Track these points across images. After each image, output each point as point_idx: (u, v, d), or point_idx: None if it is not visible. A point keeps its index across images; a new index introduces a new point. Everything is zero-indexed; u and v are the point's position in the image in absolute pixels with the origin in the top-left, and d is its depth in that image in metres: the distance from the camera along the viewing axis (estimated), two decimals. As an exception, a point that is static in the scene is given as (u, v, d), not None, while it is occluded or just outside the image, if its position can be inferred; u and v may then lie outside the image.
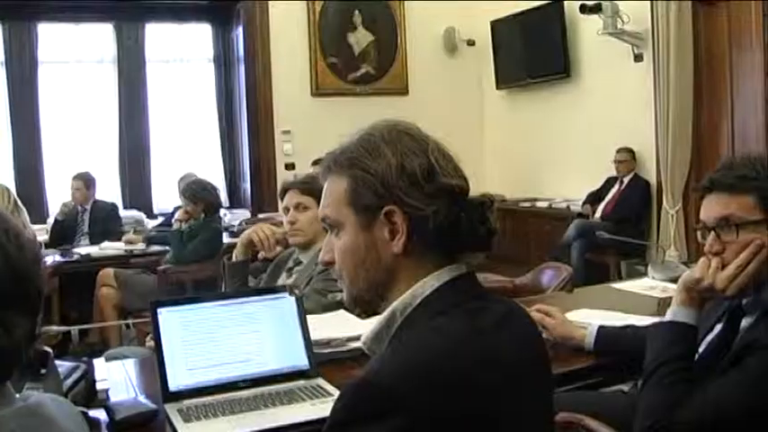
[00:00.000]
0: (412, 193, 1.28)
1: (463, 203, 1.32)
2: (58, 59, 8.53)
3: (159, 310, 2.14)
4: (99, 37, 8.67)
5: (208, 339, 2.16)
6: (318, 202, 3.03)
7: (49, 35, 8.50)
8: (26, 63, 8.38)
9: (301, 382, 2.16)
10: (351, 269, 1.35)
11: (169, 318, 2.14)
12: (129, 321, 5.26)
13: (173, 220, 5.99)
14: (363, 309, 1.43)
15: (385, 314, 1.33)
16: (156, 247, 6.24)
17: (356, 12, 8.70)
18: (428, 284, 1.30)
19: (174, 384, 2.09)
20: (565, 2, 7.66)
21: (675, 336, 1.85)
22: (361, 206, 1.31)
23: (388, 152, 1.31)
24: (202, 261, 5.40)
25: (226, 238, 6.21)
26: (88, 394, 2.07)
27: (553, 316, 2.45)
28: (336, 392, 2.05)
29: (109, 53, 8.70)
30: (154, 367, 2.44)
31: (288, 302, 2.27)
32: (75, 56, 8.59)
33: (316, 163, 6.51)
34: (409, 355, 1.20)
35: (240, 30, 8.56)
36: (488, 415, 1.20)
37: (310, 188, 3.06)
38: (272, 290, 2.47)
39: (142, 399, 2.10)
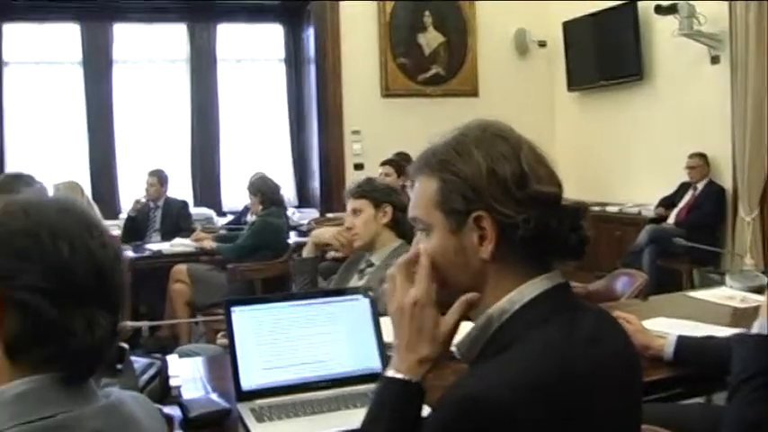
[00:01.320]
0: (502, 199, 1.25)
1: (555, 210, 1.29)
2: (132, 59, 8.68)
3: (233, 309, 2.14)
4: (172, 37, 8.80)
5: (281, 339, 2.15)
6: (371, 204, 3.09)
7: (125, 35, 8.65)
8: (102, 62, 8.54)
9: (374, 385, 2.13)
10: (440, 272, 1.32)
11: (243, 317, 2.14)
12: (201, 320, 5.32)
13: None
14: (446, 311, 1.40)
15: (480, 320, 1.30)
16: (222, 245, 6.29)
17: (426, 12, 8.67)
18: (526, 292, 1.27)
19: (246, 384, 2.09)
20: (639, 2, 7.52)
21: (764, 349, 1.79)
22: (450, 210, 1.29)
23: (479, 156, 1.28)
24: (257, 255, 5.46)
25: (294, 237, 6.25)
26: (162, 391, 2.09)
27: (631, 324, 2.39)
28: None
29: (182, 53, 8.82)
30: (224, 365, 2.45)
31: (362, 304, 2.25)
32: (148, 55, 8.74)
33: (384, 164, 6.52)
34: (514, 368, 1.17)
35: (311, 30, 8.59)
36: (586, 428, 1.18)
37: (362, 192, 3.18)
38: (346, 291, 2.47)
39: (214, 397, 2.10)
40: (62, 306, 1.02)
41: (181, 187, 8.24)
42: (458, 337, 1.35)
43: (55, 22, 8.51)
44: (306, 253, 3.21)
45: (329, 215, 7.40)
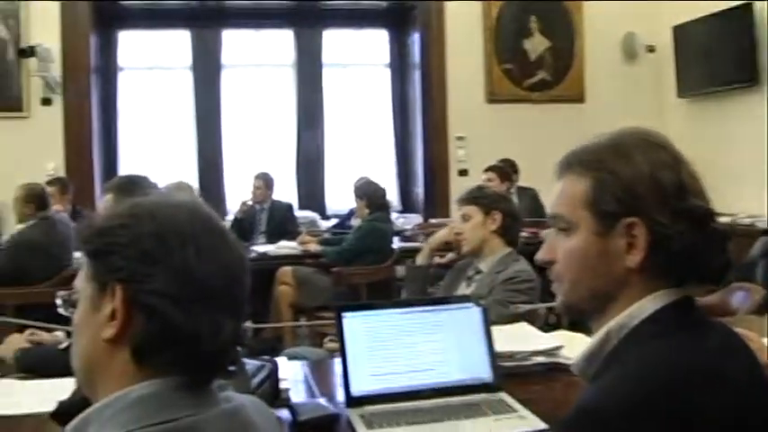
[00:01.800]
0: (659, 208, 1.20)
1: (706, 229, 1.23)
2: (240, 64, 8.87)
3: (344, 315, 2.15)
4: (279, 42, 8.95)
5: (390, 346, 2.15)
6: (481, 210, 3.07)
7: (233, 41, 8.85)
8: (211, 67, 8.76)
9: (484, 396, 2.11)
10: (575, 274, 1.28)
11: (354, 323, 2.14)
12: (307, 324, 5.38)
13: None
14: (577, 316, 1.36)
15: (599, 335, 1.26)
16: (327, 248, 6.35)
17: (532, 17, 8.57)
18: (646, 306, 1.22)
19: (356, 389, 2.09)
20: (755, 2, 7.26)
21: None
22: (602, 212, 1.23)
23: (640, 159, 1.22)
24: (362, 259, 5.48)
25: (397, 242, 6.26)
26: (272, 393, 2.11)
27: (753, 341, 2.30)
28: (521, 408, 2.01)
29: (288, 58, 8.95)
30: (331, 369, 2.47)
31: (473, 313, 2.23)
32: (256, 60, 8.91)
33: (488, 170, 6.48)
34: (631, 380, 1.13)
35: (416, 35, 8.60)
36: None
37: (472, 198, 3.21)
38: (456, 299, 2.45)
39: (323, 401, 2.11)
40: (188, 310, 1.03)
41: (286, 190, 8.37)
42: (575, 352, 1.32)
43: (166, 29, 8.79)
44: (420, 260, 3.24)
45: (432, 221, 7.38)
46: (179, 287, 1.03)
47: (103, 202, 2.79)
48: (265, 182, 7.27)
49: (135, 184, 2.81)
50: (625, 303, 1.23)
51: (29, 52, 7.35)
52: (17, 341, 2.74)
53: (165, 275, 1.03)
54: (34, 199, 5.18)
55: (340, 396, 2.14)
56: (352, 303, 2.26)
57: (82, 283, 1.10)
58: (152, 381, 1.03)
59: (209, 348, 1.05)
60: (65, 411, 1.93)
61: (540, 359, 2.38)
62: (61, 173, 7.49)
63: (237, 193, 7.89)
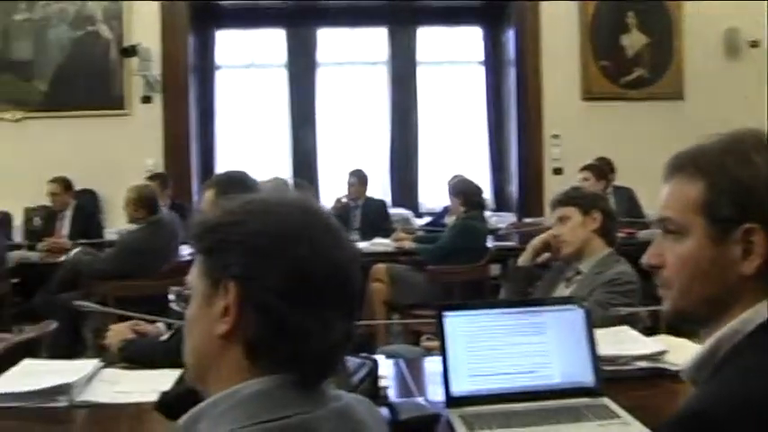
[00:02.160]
0: None
1: None
2: (334, 62, 8.94)
3: (445, 314, 2.13)
4: (373, 40, 8.98)
5: (491, 347, 2.12)
6: (579, 211, 3.00)
7: (328, 39, 8.92)
8: (306, 65, 8.86)
9: (586, 400, 2.06)
10: (685, 280, 1.21)
11: (455, 322, 2.12)
12: (400, 321, 5.38)
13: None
14: (687, 323, 1.31)
15: (710, 341, 1.20)
16: (422, 246, 6.33)
17: (630, 13, 8.38)
18: (762, 312, 1.15)
19: (456, 389, 2.07)
20: None
21: None
22: (717, 217, 1.17)
23: (758, 161, 1.16)
24: (456, 257, 5.45)
25: (490, 242, 6.20)
26: (372, 392, 2.10)
27: None
28: (624, 415, 1.95)
29: (382, 56, 8.98)
30: (428, 368, 2.45)
31: (576, 315, 2.18)
32: (350, 58, 8.97)
33: (584, 168, 6.37)
34: (735, 384, 1.09)
35: (511, 32, 8.52)
36: None
37: (569, 199, 3.12)
38: (559, 300, 2.41)
39: (421, 401, 2.10)
40: (300, 308, 1.03)
41: (379, 187, 8.40)
42: (679, 358, 1.27)
43: (262, 27, 8.92)
44: (522, 261, 3.19)
45: (526, 220, 7.30)
46: (291, 285, 1.03)
47: (204, 197, 2.83)
48: (359, 179, 7.31)
49: (236, 181, 2.83)
50: (738, 310, 1.17)
51: (131, 52, 7.55)
52: (122, 331, 2.81)
53: (278, 273, 1.03)
54: (145, 202, 5.33)
55: (437, 395, 2.13)
56: (453, 303, 2.23)
57: (194, 279, 1.11)
58: (264, 378, 1.03)
59: (321, 346, 1.05)
60: (168, 403, 1.96)
61: (643, 364, 2.32)
62: (160, 169, 7.69)
63: (331, 190, 7.94)
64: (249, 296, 1.03)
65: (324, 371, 1.09)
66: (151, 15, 8.01)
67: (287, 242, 1.04)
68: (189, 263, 3.93)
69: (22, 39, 8.12)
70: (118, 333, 2.80)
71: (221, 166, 8.49)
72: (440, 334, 2.11)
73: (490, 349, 2.11)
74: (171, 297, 1.21)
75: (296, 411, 1.02)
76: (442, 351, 2.10)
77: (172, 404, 1.93)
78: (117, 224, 6.88)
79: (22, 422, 2.16)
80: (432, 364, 2.52)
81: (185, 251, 5.77)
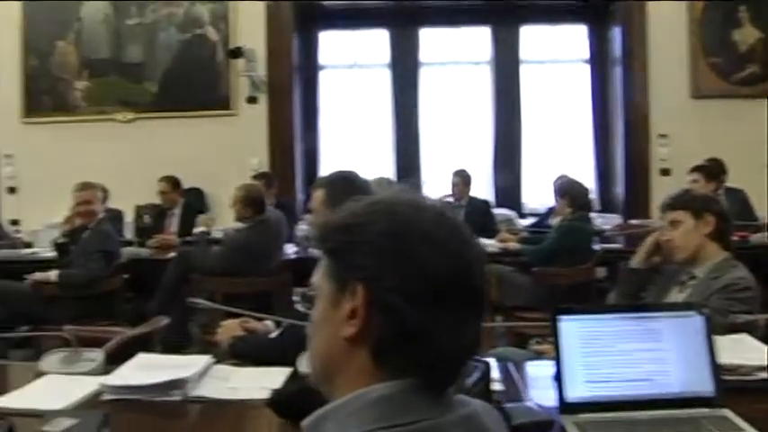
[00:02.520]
0: None
1: None
2: (437, 61, 8.93)
3: (560, 318, 2.08)
4: (476, 39, 8.93)
5: (606, 352, 2.06)
6: (691, 215, 2.90)
7: (431, 38, 8.91)
8: (409, 65, 8.87)
9: (705, 411, 1.98)
10: None
11: (570, 326, 2.07)
12: (507, 324, 5.32)
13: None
14: None
15: None
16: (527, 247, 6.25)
17: (741, 6, 8.10)
18: None
19: (570, 395, 2.02)
20: None
21: None
22: None
23: None
24: (561, 259, 5.36)
25: (596, 244, 6.08)
26: (485, 395, 2.07)
27: None
28: (747, 427, 1.88)
29: (485, 55, 8.92)
30: (538, 372, 2.41)
31: (695, 321, 2.10)
32: (453, 58, 8.94)
33: (695, 170, 6.18)
34: None
35: (617, 29, 8.34)
36: None
37: (681, 202, 3.01)
38: (677, 306, 2.33)
39: (533, 405, 2.06)
40: (427, 310, 1.01)
41: (483, 187, 8.35)
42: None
43: (366, 28, 8.97)
44: (635, 263, 3.11)
45: (633, 222, 7.13)
46: (419, 287, 1.01)
47: (314, 197, 2.84)
48: (463, 179, 7.29)
49: (346, 181, 2.84)
50: None
51: (237, 53, 7.69)
52: (232, 328, 2.85)
53: (406, 275, 1.02)
54: (252, 202, 5.42)
55: (548, 400, 2.09)
56: (568, 306, 2.17)
57: (319, 281, 1.11)
58: (391, 382, 1.02)
59: (450, 350, 1.03)
60: (281, 401, 1.99)
61: (766, 375, 2.22)
62: (264, 168, 7.81)
63: (435, 190, 7.93)
64: (377, 299, 1.02)
65: (452, 375, 1.07)
66: (256, 17, 8.15)
67: (415, 243, 1.03)
68: (294, 261, 4.06)
69: (133, 42, 8.39)
70: (229, 329, 2.84)
71: (325, 165, 8.60)
72: (554, 338, 2.07)
73: (605, 355, 2.06)
74: (295, 298, 1.22)
75: (423, 416, 1.00)
76: (557, 355, 2.06)
77: (285, 402, 1.96)
78: (223, 222, 7.03)
79: (137, 414, 2.22)
80: (540, 369, 2.48)
81: (290, 249, 5.86)
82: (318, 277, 1.12)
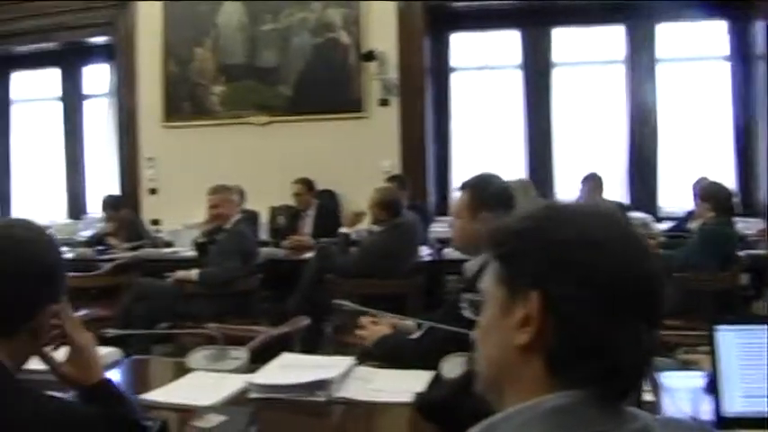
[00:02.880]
0: None
1: None
2: (570, 61, 8.77)
3: (717, 328, 1.99)
4: (610, 38, 8.72)
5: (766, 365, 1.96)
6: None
7: (563, 38, 8.76)
8: (540, 66, 8.75)
9: None
10: None
11: (727, 337, 1.98)
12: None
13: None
14: None
15: None
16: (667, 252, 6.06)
17: None
18: None
19: (727, 410, 1.93)
20: None
21: None
22: None
23: None
24: (703, 264, 5.16)
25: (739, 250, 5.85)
26: (637, 406, 2.00)
27: None
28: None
29: (619, 54, 8.70)
30: (686, 383, 2.31)
31: None
32: (586, 57, 8.75)
33: None
34: None
35: (761, 24, 7.98)
36: None
37: None
38: None
39: (687, 418, 1.98)
40: (606, 319, 0.98)
41: (617, 190, 8.16)
42: None
43: (497, 29, 8.88)
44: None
45: (776, 226, 6.80)
46: (597, 295, 0.98)
47: (459, 199, 2.82)
48: (594, 182, 7.13)
49: (492, 183, 2.81)
50: None
51: (370, 57, 7.75)
52: (380, 330, 2.85)
53: (583, 283, 0.99)
54: (389, 205, 5.45)
55: (702, 414, 2.01)
56: (725, 316, 2.08)
57: (489, 286, 1.08)
58: (565, 392, 0.99)
59: (627, 361, 1.00)
60: (429, 405, 1.97)
61: None
62: (396, 170, 7.85)
63: (568, 193, 7.80)
64: (552, 306, 0.99)
65: (628, 387, 1.03)
66: (388, 21, 8.21)
67: (592, 251, 1.00)
68: (428, 264, 4.04)
69: (267, 47, 8.59)
70: (376, 331, 2.84)
71: (456, 167, 8.56)
72: (711, 349, 1.98)
73: (765, 368, 1.95)
74: (463, 305, 1.19)
75: (597, 429, 0.97)
76: (713, 367, 1.97)
77: (433, 406, 1.94)
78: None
79: (282, 413, 2.25)
80: (688, 380, 2.38)
81: (424, 252, 5.86)
82: (488, 283, 1.09)
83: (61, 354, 1.65)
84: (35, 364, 1.59)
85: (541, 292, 1.00)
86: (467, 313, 1.17)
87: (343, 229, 5.59)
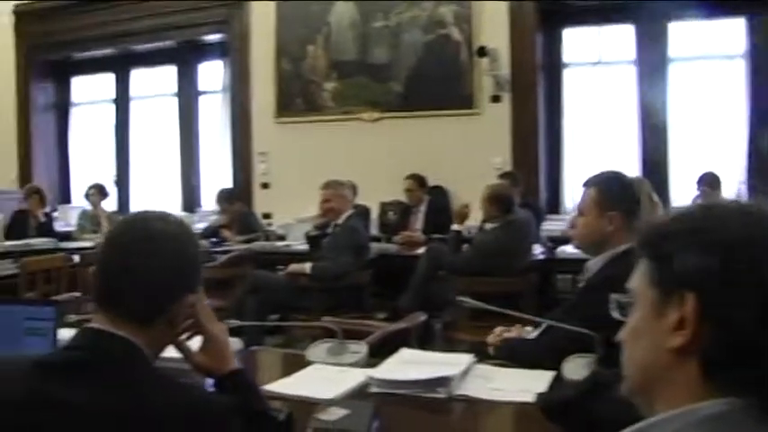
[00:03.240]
0: None
1: None
2: (688, 56, 8.50)
3: None
4: (730, 32, 8.41)
5: None
6: None
7: (680, 33, 8.51)
8: (656, 61, 8.50)
9: None
10: None
11: None
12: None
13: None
14: None
15: None
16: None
17: None
18: None
19: None
20: None
21: None
22: None
23: None
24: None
25: None
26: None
27: None
28: None
29: (739, 48, 8.39)
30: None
31: None
32: (705, 52, 8.47)
33: None
34: None
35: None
36: None
37: None
38: None
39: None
40: (765, 324, 0.94)
41: (736, 190, 7.88)
42: None
43: (610, 24, 8.68)
44: None
45: None
46: (757, 300, 0.94)
47: (585, 196, 2.77)
48: (711, 182, 6.90)
49: (619, 181, 2.76)
50: None
51: (485, 52, 7.69)
52: (505, 330, 2.83)
53: (742, 287, 0.95)
54: (501, 201, 5.40)
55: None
56: None
57: (640, 287, 1.05)
58: (720, 399, 0.95)
59: None
60: (553, 405, 1.93)
61: None
62: (507, 167, 7.77)
63: (684, 193, 7.57)
64: (709, 309, 0.96)
65: None
66: (500, 16, 8.15)
67: (752, 252, 0.96)
68: (540, 262, 3.96)
69: (378, 44, 8.65)
70: (502, 331, 2.82)
71: (569, 163, 8.43)
72: None
73: None
74: (611, 306, 1.15)
75: None
76: None
77: (558, 407, 1.90)
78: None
79: (402, 409, 2.24)
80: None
81: (537, 250, 5.78)
82: (638, 283, 1.06)
83: (195, 343, 1.69)
84: (170, 352, 1.63)
85: (698, 294, 0.96)
86: (615, 314, 1.13)
87: (455, 227, 5.54)
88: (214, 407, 1.45)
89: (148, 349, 1.48)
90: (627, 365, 1.08)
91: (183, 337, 1.66)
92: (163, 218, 1.56)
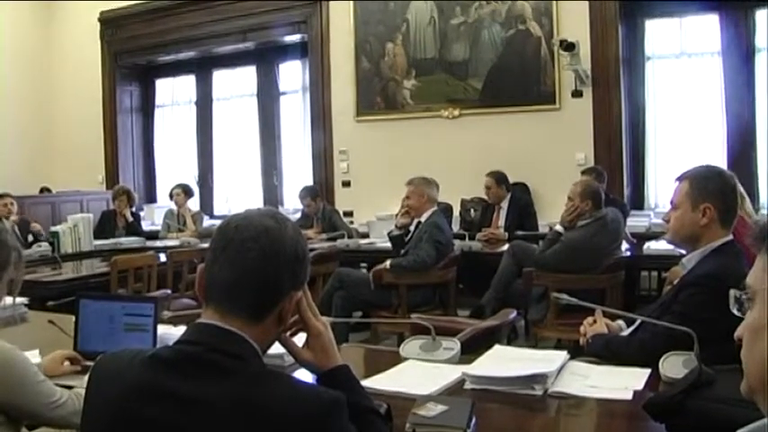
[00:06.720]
0: None
1: None
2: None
3: None
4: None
5: None
6: None
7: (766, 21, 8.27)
8: (742, 51, 8.27)
9: None
10: None
11: None
12: None
13: None
14: None
15: None
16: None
17: None
18: None
19: None
20: None
21: None
22: None
23: None
24: None
25: None
26: None
27: None
28: None
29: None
30: None
31: None
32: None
33: None
34: None
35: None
36: None
37: None
38: None
39: None
40: None
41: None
42: None
43: (694, 14, 8.49)
44: None
45: None
46: None
47: (679, 189, 2.73)
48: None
49: (713, 174, 2.72)
50: None
51: (569, 46, 7.59)
52: (596, 327, 2.81)
53: None
54: (593, 196, 5.31)
55: None
56: None
57: (756, 282, 1.03)
58: None
59: None
60: (657, 405, 1.91)
61: None
62: (590, 162, 7.69)
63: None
64: None
65: None
66: (580, 10, 8.06)
67: None
68: (626, 259, 3.91)
69: (457, 41, 8.65)
70: (594, 327, 2.80)
71: (651, 159, 8.28)
72: None
73: None
74: (731, 302, 1.13)
75: None
76: None
77: (661, 406, 1.88)
78: (548, 217, 7.02)
79: (499, 405, 2.26)
80: None
81: (624, 247, 5.69)
82: (757, 279, 1.05)
83: (299, 339, 1.72)
84: (274, 348, 1.66)
85: None
86: (734, 310, 1.11)
87: (558, 228, 5.44)
88: (324, 401, 1.47)
89: (258, 345, 1.52)
90: (746, 363, 1.06)
91: (288, 332, 1.69)
92: (273, 215, 1.59)
